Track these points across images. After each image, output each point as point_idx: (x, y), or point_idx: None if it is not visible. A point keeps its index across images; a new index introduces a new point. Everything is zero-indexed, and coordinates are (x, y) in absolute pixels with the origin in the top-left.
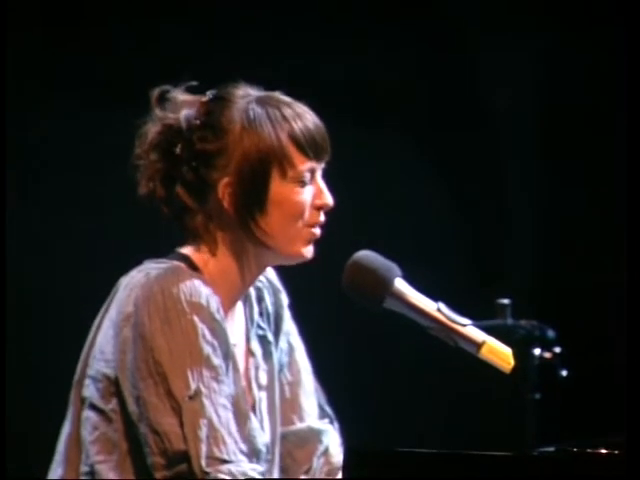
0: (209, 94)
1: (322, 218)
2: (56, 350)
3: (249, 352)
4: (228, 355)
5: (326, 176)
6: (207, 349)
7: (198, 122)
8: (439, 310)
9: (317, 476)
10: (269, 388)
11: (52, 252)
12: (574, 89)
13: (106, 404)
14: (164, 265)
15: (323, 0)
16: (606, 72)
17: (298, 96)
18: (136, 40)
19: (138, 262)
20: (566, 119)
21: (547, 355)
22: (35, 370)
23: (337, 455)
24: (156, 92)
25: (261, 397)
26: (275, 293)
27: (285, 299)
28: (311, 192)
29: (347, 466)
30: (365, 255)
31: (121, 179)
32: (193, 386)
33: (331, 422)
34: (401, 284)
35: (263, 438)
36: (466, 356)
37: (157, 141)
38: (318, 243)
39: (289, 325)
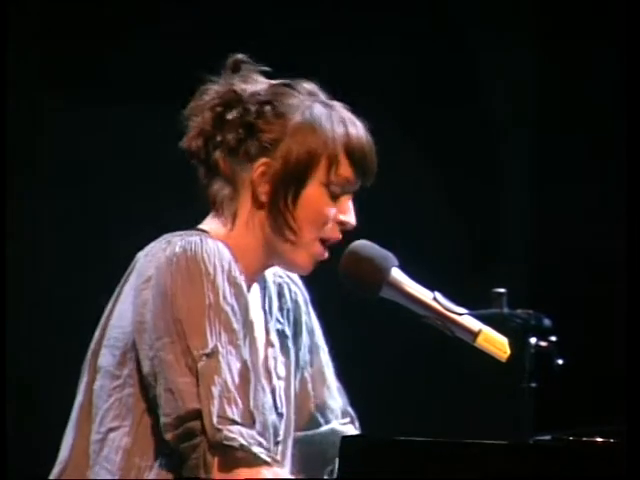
0: (280, 80)
1: (340, 236)
2: (60, 349)
3: (268, 342)
4: (247, 320)
5: None
6: (227, 310)
7: (262, 98)
8: (435, 299)
9: None
10: (286, 379)
11: (52, 245)
12: (572, 82)
13: (122, 370)
14: (185, 234)
15: None
16: (606, 67)
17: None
18: (136, 38)
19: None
20: (564, 112)
21: (543, 344)
22: (36, 371)
23: None
24: (233, 59)
25: (280, 386)
26: (294, 289)
27: (305, 295)
28: (338, 207)
29: (346, 455)
30: (361, 244)
31: (124, 173)
32: (211, 345)
33: (352, 422)
34: (397, 273)
35: (273, 417)
36: (462, 345)
37: (216, 101)
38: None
39: (313, 323)
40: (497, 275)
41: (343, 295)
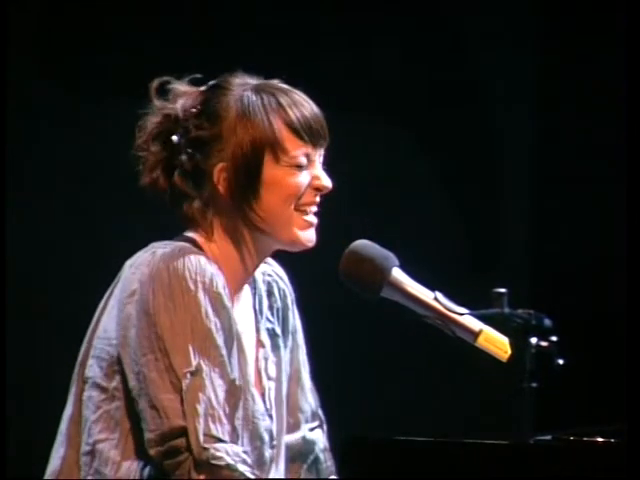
0: (208, 84)
1: (317, 199)
2: (58, 349)
3: (259, 343)
4: (232, 335)
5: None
6: (210, 327)
7: (194, 110)
8: (436, 299)
9: None
10: (277, 380)
11: (51, 245)
12: (572, 82)
13: (109, 382)
14: (170, 245)
15: None
16: (606, 67)
17: (296, 85)
18: (138, 33)
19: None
20: (564, 112)
21: (544, 344)
22: (36, 371)
23: (325, 462)
24: (155, 83)
25: (270, 387)
26: (283, 286)
27: (291, 294)
28: (308, 176)
29: (346, 455)
30: (362, 244)
31: (121, 170)
32: (194, 362)
33: (320, 426)
34: (398, 273)
35: (266, 423)
36: (463, 345)
37: (157, 131)
38: (318, 231)
39: (296, 322)
40: (498, 275)
41: (343, 294)
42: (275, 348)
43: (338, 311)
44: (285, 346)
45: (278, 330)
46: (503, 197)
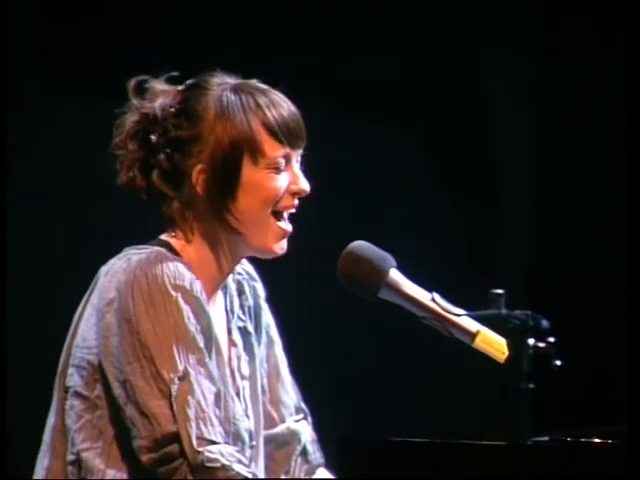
0: (186, 83)
1: (296, 203)
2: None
3: (231, 342)
4: (211, 338)
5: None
6: (192, 331)
7: (173, 110)
8: (433, 300)
9: (296, 476)
10: (251, 378)
11: (36, 246)
12: (572, 82)
13: (91, 391)
14: (145, 250)
15: None
16: (606, 68)
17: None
18: (138, 33)
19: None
20: (564, 112)
21: (541, 345)
22: (36, 371)
23: (313, 453)
24: (133, 82)
25: (244, 386)
26: (253, 285)
27: (262, 291)
28: (287, 178)
29: (344, 456)
30: (360, 245)
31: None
32: (181, 367)
33: (305, 418)
34: (396, 274)
35: (246, 424)
36: (460, 346)
37: (134, 130)
38: (294, 236)
39: (268, 318)
40: (495, 276)
41: (342, 296)
42: (248, 346)
43: (337, 311)
44: (259, 343)
45: (250, 328)
46: (502, 198)
